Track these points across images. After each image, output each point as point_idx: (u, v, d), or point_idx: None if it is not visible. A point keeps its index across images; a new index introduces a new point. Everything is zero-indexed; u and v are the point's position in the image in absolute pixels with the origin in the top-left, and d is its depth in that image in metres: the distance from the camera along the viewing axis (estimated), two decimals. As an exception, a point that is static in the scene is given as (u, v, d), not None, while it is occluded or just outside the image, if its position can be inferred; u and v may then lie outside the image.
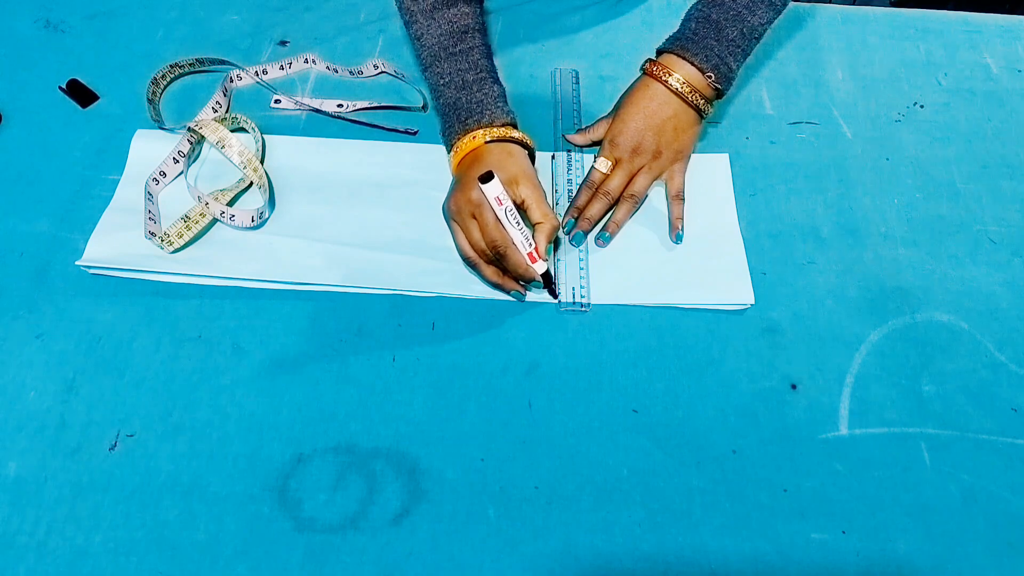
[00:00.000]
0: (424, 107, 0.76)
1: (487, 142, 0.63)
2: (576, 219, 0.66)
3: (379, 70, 0.79)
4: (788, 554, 0.53)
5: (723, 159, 0.73)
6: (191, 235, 0.63)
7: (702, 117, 0.68)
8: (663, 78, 0.66)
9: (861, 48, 0.85)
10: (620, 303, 0.63)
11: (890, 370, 0.61)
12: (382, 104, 0.76)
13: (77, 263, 0.62)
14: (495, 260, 0.60)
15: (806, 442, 0.57)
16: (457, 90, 0.65)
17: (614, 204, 0.67)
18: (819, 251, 0.68)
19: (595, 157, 0.68)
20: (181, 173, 0.68)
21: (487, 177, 0.57)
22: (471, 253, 0.61)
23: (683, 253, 0.66)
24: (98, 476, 0.54)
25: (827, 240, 0.68)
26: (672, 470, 0.56)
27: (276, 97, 0.76)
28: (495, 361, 0.60)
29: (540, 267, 0.60)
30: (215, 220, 0.65)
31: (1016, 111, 0.79)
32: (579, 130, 0.73)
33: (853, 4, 1.28)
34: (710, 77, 0.66)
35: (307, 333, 0.61)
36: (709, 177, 0.71)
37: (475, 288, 0.63)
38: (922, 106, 0.80)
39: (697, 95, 0.66)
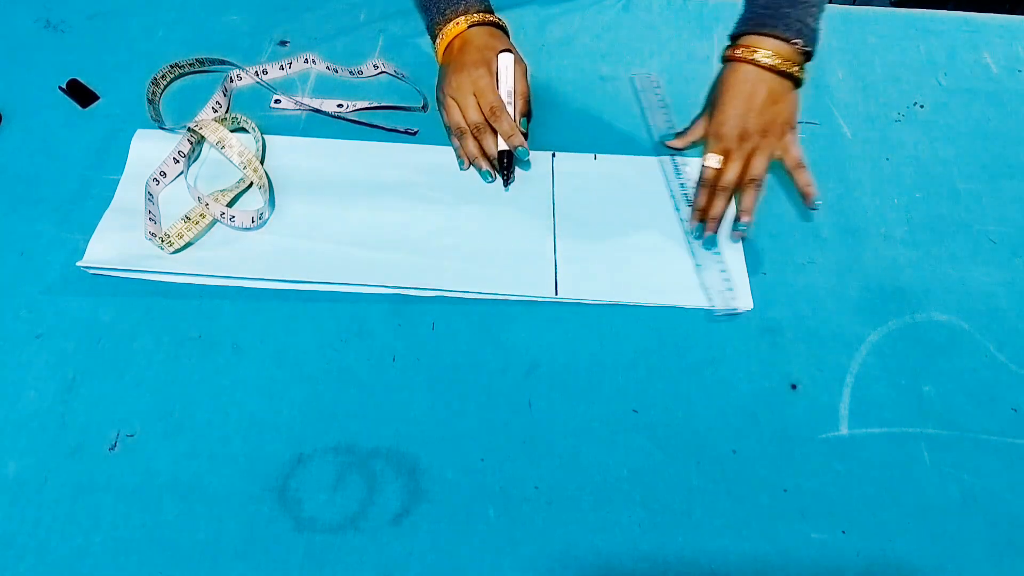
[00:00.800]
0: (424, 107, 0.76)
1: (469, 26, 0.70)
2: (702, 223, 0.67)
3: (379, 70, 0.79)
4: (788, 554, 0.53)
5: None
6: (191, 235, 0.63)
7: (798, 85, 0.67)
8: (750, 58, 0.65)
9: (861, 48, 0.85)
10: (620, 301, 0.63)
11: (890, 370, 0.61)
12: (382, 104, 0.76)
13: (78, 264, 0.62)
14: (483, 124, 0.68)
15: (806, 442, 0.57)
16: None
17: (733, 195, 0.67)
18: (819, 251, 0.68)
19: (703, 156, 0.67)
20: (181, 173, 0.68)
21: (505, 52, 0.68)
22: (463, 125, 0.69)
23: (685, 253, 0.66)
24: (98, 476, 0.54)
25: (827, 240, 0.68)
26: (672, 470, 0.56)
27: (276, 97, 0.76)
28: (495, 361, 0.60)
29: (519, 139, 0.68)
30: (215, 220, 0.65)
31: (1016, 111, 0.79)
32: (678, 134, 0.72)
33: (853, 4, 1.28)
34: (797, 44, 0.65)
35: (307, 333, 0.61)
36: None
37: (475, 287, 0.63)
38: (922, 106, 0.80)
39: (789, 63, 0.65)
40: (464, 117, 0.69)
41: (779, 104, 0.66)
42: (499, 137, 0.68)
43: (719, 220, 0.66)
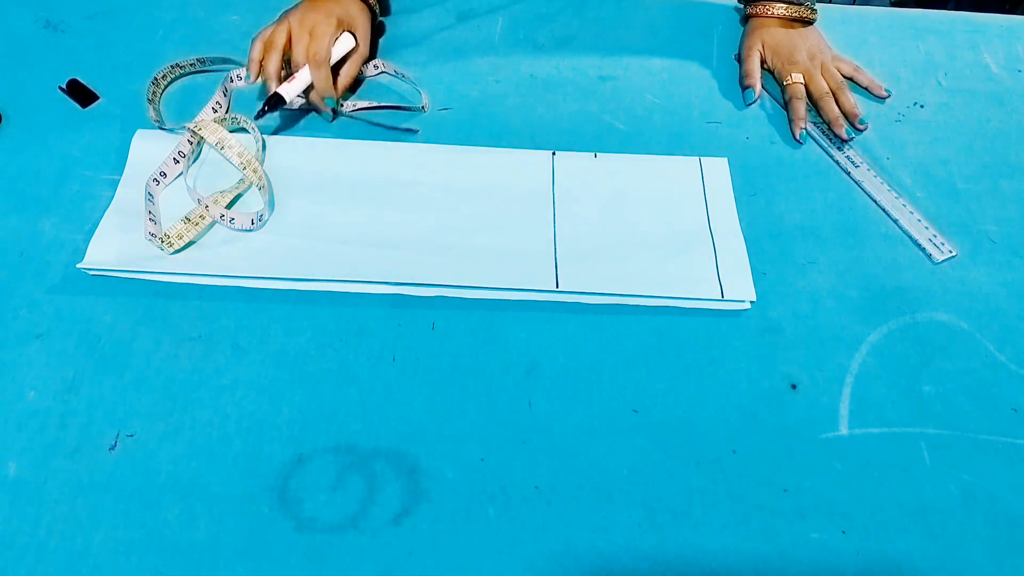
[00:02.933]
0: (424, 107, 0.76)
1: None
2: (806, 128, 0.76)
3: (379, 70, 0.79)
4: (788, 554, 0.53)
5: (722, 163, 0.73)
6: (191, 236, 0.63)
7: (812, 23, 0.83)
8: (772, 14, 0.81)
9: (861, 48, 0.85)
10: (622, 292, 0.63)
11: (890, 370, 0.61)
12: (382, 104, 0.76)
13: (78, 266, 0.62)
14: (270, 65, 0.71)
15: (806, 442, 0.57)
16: None
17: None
18: (819, 251, 0.68)
19: (786, 79, 0.78)
20: (181, 174, 0.68)
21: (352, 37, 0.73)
22: (277, 46, 0.70)
23: (685, 249, 0.66)
24: (98, 476, 0.54)
25: (827, 240, 0.68)
26: (672, 470, 0.56)
27: (276, 97, 0.75)
28: (495, 361, 0.60)
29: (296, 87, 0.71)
30: (215, 221, 0.65)
31: (1016, 111, 0.79)
32: (744, 87, 0.80)
33: (853, 4, 1.28)
34: (807, 4, 0.82)
35: (307, 333, 0.61)
36: (709, 179, 0.71)
37: (475, 281, 0.63)
38: (922, 106, 0.80)
39: (802, 11, 0.81)
40: (287, 44, 0.71)
41: (812, 34, 0.82)
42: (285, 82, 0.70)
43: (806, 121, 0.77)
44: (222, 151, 0.67)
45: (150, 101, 0.73)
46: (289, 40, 0.71)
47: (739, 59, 0.83)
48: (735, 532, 0.53)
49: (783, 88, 0.79)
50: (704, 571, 0.52)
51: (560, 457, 0.56)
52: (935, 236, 0.68)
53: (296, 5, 0.73)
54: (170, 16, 0.83)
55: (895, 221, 0.70)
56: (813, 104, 0.78)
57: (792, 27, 0.81)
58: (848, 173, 0.73)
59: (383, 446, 0.56)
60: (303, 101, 0.74)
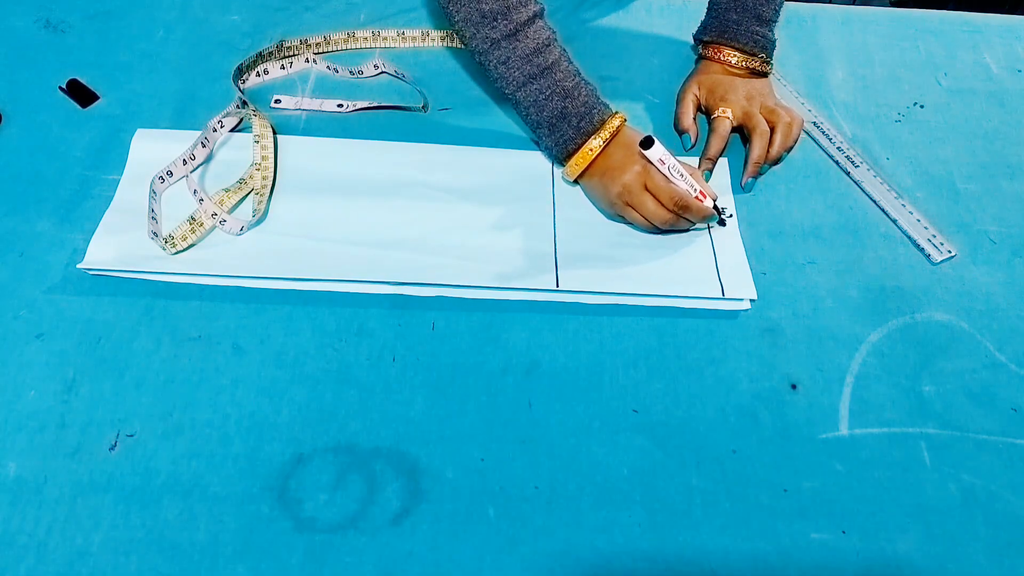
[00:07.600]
0: (424, 107, 0.76)
1: (604, 143, 0.66)
2: (710, 170, 0.71)
3: (379, 70, 0.79)
4: (788, 554, 0.53)
5: (722, 162, 0.73)
6: (195, 238, 0.63)
7: (766, 75, 0.76)
8: (723, 60, 0.75)
9: (861, 48, 0.85)
10: (623, 291, 0.63)
11: (890, 370, 0.61)
12: (382, 104, 0.76)
13: (79, 266, 0.62)
14: (676, 214, 0.65)
15: (806, 442, 0.57)
16: (562, 99, 0.66)
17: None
18: (819, 251, 0.68)
19: (716, 114, 0.72)
20: (184, 176, 0.68)
21: (648, 142, 0.62)
22: (657, 223, 0.65)
23: (685, 248, 0.66)
24: (98, 476, 0.54)
25: (827, 240, 0.68)
26: (672, 470, 0.56)
27: (276, 97, 0.76)
28: (495, 361, 0.60)
29: (710, 203, 0.65)
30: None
31: (1016, 111, 0.79)
32: (680, 130, 0.75)
33: (853, 4, 1.28)
34: (762, 56, 0.74)
35: (307, 333, 0.61)
36: (709, 179, 0.71)
37: (476, 281, 0.63)
38: (922, 106, 0.80)
39: (756, 63, 0.74)
40: (653, 215, 0.64)
41: (759, 81, 0.76)
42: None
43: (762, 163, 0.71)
44: (256, 142, 0.68)
45: (237, 85, 0.74)
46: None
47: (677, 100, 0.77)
48: (735, 532, 0.53)
49: (709, 123, 0.73)
50: (704, 571, 0.52)
51: (560, 457, 0.56)
52: (934, 236, 0.68)
53: (605, 188, 0.66)
54: (170, 16, 0.83)
55: (894, 221, 0.70)
56: (748, 137, 0.71)
57: (739, 75, 0.75)
58: (848, 173, 0.73)
59: (383, 446, 0.56)
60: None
